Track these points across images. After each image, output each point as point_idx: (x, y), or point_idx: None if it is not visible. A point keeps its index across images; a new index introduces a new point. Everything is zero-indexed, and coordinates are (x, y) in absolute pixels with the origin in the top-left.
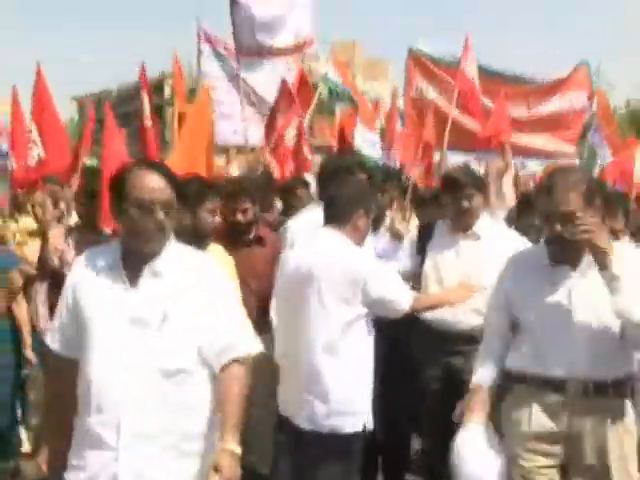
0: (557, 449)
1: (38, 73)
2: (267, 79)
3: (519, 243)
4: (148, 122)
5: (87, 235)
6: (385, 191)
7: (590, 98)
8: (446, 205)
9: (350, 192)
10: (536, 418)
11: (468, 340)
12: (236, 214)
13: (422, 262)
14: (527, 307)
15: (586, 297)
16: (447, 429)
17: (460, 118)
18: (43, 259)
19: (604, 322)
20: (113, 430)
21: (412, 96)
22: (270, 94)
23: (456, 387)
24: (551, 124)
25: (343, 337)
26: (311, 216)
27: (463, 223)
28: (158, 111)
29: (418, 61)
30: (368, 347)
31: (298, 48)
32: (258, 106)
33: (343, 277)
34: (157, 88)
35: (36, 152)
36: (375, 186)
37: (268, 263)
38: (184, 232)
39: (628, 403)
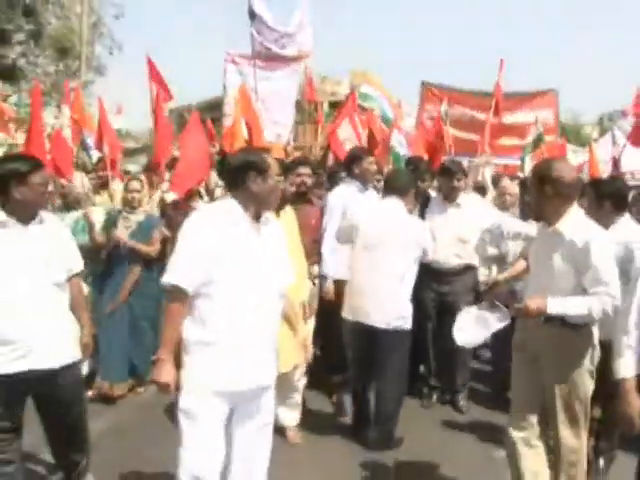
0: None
1: (157, 97)
2: (276, 89)
3: (489, 209)
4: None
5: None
6: (425, 179)
7: (555, 118)
8: (441, 184)
9: (408, 178)
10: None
11: (451, 274)
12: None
13: None
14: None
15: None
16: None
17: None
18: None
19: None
20: (250, 338)
21: (424, 118)
22: (277, 101)
23: (443, 304)
24: (510, 131)
25: (408, 270)
26: (342, 190)
27: (451, 197)
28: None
29: (430, 90)
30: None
31: (299, 58)
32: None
33: (411, 232)
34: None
35: None
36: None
37: (317, 219)
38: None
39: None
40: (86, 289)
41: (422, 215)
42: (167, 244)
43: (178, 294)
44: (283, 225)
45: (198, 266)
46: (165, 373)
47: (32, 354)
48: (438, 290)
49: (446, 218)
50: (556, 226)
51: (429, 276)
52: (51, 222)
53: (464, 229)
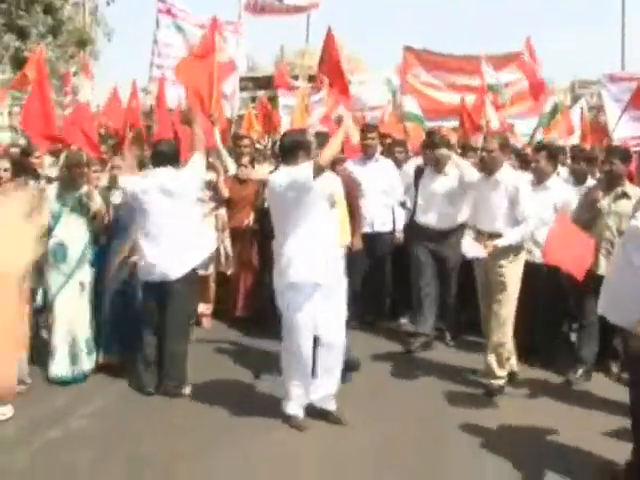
0: None
1: (160, 83)
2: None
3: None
4: None
5: None
6: None
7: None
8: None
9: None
10: None
11: (441, 235)
12: None
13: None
14: None
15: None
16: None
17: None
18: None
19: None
20: None
21: (408, 81)
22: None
23: (435, 260)
24: None
25: None
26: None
27: (437, 167)
28: None
29: (413, 53)
30: None
31: (304, 8)
32: None
33: None
34: None
35: None
36: None
37: None
38: None
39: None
40: None
41: (416, 184)
42: None
43: None
44: None
45: None
46: None
47: None
48: (431, 247)
49: (435, 186)
50: (496, 175)
51: (423, 236)
52: None
53: (452, 195)
